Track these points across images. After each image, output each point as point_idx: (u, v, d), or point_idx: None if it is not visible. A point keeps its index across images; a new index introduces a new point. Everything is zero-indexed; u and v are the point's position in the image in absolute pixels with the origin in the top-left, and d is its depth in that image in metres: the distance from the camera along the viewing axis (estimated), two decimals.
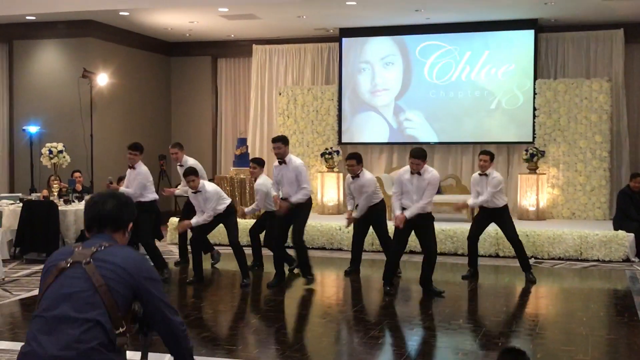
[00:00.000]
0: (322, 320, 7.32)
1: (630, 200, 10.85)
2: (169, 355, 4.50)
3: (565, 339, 6.39)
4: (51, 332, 2.66)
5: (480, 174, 8.89)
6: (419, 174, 7.92)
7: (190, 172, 8.58)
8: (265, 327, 7.02)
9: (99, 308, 2.68)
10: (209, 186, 8.77)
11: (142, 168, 9.08)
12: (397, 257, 8.38)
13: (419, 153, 7.96)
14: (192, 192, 8.66)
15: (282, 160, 8.53)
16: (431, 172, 7.99)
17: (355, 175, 8.88)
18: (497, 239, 10.58)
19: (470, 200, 8.95)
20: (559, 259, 10.46)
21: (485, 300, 8.04)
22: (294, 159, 8.62)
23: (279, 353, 5.93)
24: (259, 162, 9.41)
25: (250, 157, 13.45)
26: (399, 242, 8.19)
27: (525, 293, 8.54)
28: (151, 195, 9.03)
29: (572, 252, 10.46)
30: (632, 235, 10.43)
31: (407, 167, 8.04)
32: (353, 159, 8.90)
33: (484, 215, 9.02)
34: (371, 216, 8.98)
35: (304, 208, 8.62)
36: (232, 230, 8.75)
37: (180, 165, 9.74)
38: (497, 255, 10.59)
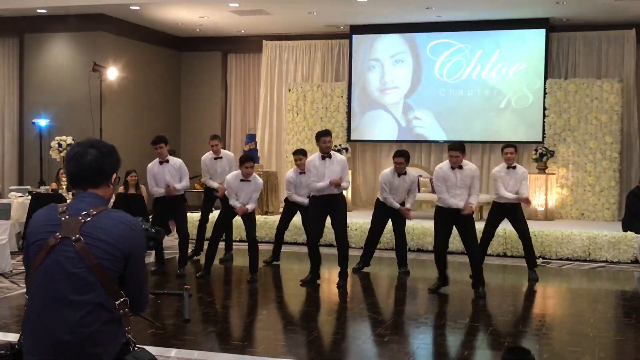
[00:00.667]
0: (329, 317, 7.31)
1: (639, 201, 10.79)
2: (197, 352, 4.51)
3: (572, 340, 6.37)
4: (53, 315, 2.63)
5: (508, 167, 8.85)
6: (460, 167, 7.93)
7: (250, 159, 8.72)
8: (273, 323, 7.02)
9: (97, 288, 2.65)
10: (258, 177, 9.05)
11: (175, 159, 9.18)
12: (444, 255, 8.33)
13: (456, 145, 8.04)
14: (242, 180, 8.68)
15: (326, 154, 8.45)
16: (470, 164, 8.16)
17: (403, 173, 8.94)
18: (506, 239, 10.55)
19: (505, 193, 8.75)
20: (567, 259, 10.43)
21: (493, 300, 8.02)
22: (338, 154, 8.71)
23: (286, 349, 5.93)
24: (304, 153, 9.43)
25: (259, 154, 13.55)
26: (444, 238, 8.22)
27: (533, 293, 8.51)
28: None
29: (580, 253, 10.42)
30: None
31: (446, 162, 8.04)
32: (402, 156, 8.95)
33: (498, 212, 8.90)
34: (393, 212, 9.06)
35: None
36: (253, 225, 8.81)
37: (219, 157, 9.85)
38: (505, 255, 10.56)
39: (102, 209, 2.78)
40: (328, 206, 8.43)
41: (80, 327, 2.61)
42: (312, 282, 8.54)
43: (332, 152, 8.51)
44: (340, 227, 8.46)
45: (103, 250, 2.68)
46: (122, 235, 2.74)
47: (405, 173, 8.92)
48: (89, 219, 2.71)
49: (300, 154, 9.47)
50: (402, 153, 9.01)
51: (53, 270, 2.67)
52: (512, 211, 8.81)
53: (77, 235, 2.68)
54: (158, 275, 9.09)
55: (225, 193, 8.94)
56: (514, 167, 8.84)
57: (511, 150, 8.89)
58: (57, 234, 2.70)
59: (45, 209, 2.84)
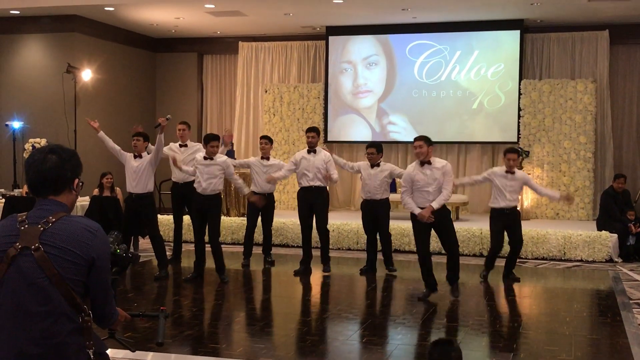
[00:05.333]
0: (307, 318, 7.30)
1: (613, 200, 10.91)
2: (174, 355, 4.44)
3: (548, 339, 6.41)
4: (17, 327, 2.58)
5: (507, 172, 8.73)
6: (429, 163, 7.67)
7: (216, 138, 8.87)
8: (250, 325, 7.00)
9: (57, 298, 2.58)
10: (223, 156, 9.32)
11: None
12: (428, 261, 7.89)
13: (421, 137, 7.82)
14: (205, 158, 8.71)
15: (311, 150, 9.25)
16: (441, 160, 7.85)
17: (376, 165, 9.04)
18: (482, 239, 10.60)
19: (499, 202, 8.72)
20: (543, 259, 10.51)
21: (470, 300, 8.06)
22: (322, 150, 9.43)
23: (264, 352, 5.91)
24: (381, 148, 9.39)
25: (235, 154, 13.50)
26: (423, 242, 7.79)
27: (509, 293, 8.55)
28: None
29: (555, 252, 10.51)
30: (615, 235, 10.49)
31: (416, 162, 7.80)
32: (373, 147, 9.09)
33: (500, 220, 8.70)
34: (376, 210, 9.11)
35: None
36: (216, 227, 8.77)
37: (185, 145, 9.99)
38: (482, 255, 10.61)
39: (61, 215, 2.70)
40: (311, 198, 9.16)
41: (44, 339, 2.56)
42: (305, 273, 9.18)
43: (318, 148, 9.29)
44: (320, 219, 9.21)
45: (63, 259, 2.61)
46: (83, 241, 2.66)
47: (378, 165, 9.06)
48: (48, 226, 2.64)
49: (265, 138, 9.93)
50: (374, 144, 9.28)
51: (15, 281, 2.61)
52: (513, 218, 8.71)
53: (37, 244, 2.61)
54: (162, 280, 8.89)
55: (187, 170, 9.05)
56: (513, 172, 8.70)
57: (514, 156, 8.74)
58: (17, 244, 2.63)
59: (6, 220, 2.77)
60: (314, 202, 9.21)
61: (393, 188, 12.72)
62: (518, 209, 8.91)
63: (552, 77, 13.32)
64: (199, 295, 8.25)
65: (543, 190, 9.05)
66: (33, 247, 2.61)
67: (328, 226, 9.45)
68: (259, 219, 9.96)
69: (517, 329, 6.72)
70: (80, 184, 2.85)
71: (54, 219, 2.67)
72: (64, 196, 2.78)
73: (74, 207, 2.86)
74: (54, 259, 2.60)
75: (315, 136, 9.36)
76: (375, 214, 9.09)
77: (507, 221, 8.67)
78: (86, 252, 2.65)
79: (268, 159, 9.81)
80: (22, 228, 2.66)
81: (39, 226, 2.65)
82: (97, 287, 2.72)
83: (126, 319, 3.02)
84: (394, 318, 7.25)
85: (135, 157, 8.97)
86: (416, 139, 7.79)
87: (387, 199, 9.20)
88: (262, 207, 9.51)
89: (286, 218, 11.74)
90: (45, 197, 2.75)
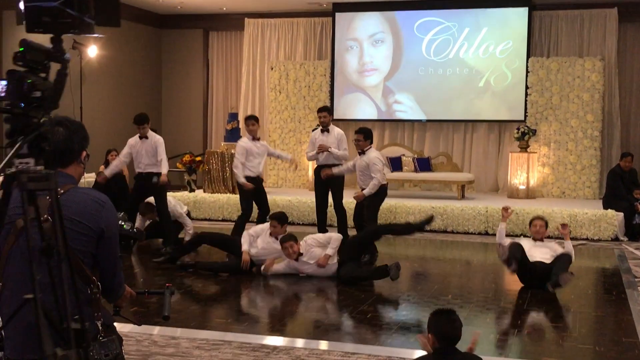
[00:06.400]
0: (310, 295, 7.32)
1: (620, 179, 10.88)
2: (157, 327, 4.44)
3: (553, 316, 6.42)
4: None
5: (535, 240, 7.67)
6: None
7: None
8: (256, 300, 7.02)
9: (66, 270, 2.52)
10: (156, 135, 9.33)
11: (155, 137, 9.21)
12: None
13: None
14: (140, 137, 8.95)
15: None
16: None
17: (362, 152, 8.82)
18: (487, 217, 10.60)
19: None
20: (548, 237, 10.46)
21: (474, 277, 8.06)
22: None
23: (270, 326, 5.94)
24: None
25: (241, 133, 13.44)
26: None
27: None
28: None
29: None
30: (621, 214, 10.47)
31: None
32: (361, 133, 8.85)
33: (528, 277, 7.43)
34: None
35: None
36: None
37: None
38: (487, 233, 10.61)
39: (69, 187, 2.71)
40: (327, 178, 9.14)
41: (54, 311, 2.57)
42: None
43: (331, 127, 9.41)
44: (337, 197, 9.35)
45: (72, 230, 2.61)
46: (91, 212, 2.67)
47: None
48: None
49: (252, 119, 9.48)
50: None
51: (24, 253, 2.59)
52: (543, 273, 7.19)
53: (45, 216, 2.58)
54: (166, 256, 8.68)
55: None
56: (542, 240, 7.62)
57: (541, 223, 7.66)
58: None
59: (16, 192, 2.72)
60: (329, 180, 9.20)
61: (397, 167, 12.72)
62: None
63: (560, 55, 13.22)
64: (205, 272, 8.26)
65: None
66: (42, 218, 2.61)
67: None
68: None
69: (522, 306, 6.72)
70: (87, 156, 2.85)
71: (62, 191, 2.66)
72: (71, 168, 2.79)
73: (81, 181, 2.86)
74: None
75: (327, 115, 9.39)
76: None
77: (537, 275, 7.25)
78: (95, 223, 2.66)
79: (259, 139, 9.41)
80: None
81: (47, 197, 2.65)
82: (105, 258, 2.72)
83: (132, 295, 3.03)
84: (398, 295, 7.23)
85: (140, 138, 9.02)
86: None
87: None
88: (254, 190, 9.25)
89: (292, 196, 11.75)
90: (54, 170, 2.70)
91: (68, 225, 2.59)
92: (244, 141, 9.32)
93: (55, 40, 2.55)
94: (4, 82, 2.44)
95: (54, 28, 2.53)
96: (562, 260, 7.13)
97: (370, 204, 8.69)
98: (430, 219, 8.52)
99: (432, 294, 7.19)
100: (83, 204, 2.68)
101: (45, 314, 2.40)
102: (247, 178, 9.13)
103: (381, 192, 8.74)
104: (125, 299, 2.98)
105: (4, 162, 2.44)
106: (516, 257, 7.11)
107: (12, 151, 2.42)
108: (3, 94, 2.45)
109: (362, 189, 8.72)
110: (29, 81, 2.44)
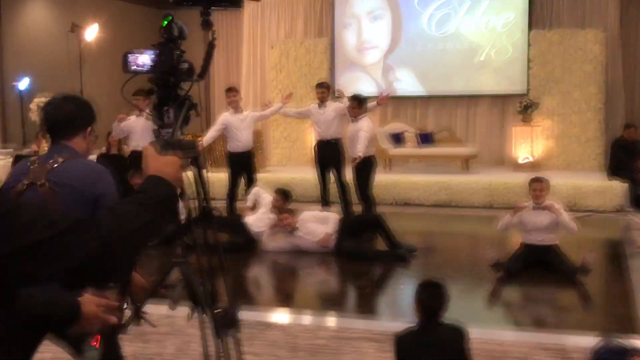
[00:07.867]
0: (307, 271, 7.31)
1: (624, 150, 10.81)
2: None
3: (556, 287, 6.40)
4: None
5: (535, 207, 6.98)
6: (356, 120, 8.65)
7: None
8: (262, 276, 7.03)
9: None
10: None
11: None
12: None
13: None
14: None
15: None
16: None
17: (355, 119, 8.78)
18: (492, 190, 10.56)
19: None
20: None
21: (478, 250, 8.03)
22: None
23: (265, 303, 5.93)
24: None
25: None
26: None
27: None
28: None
29: (566, 202, 10.42)
30: (626, 185, 10.41)
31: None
32: (355, 100, 8.84)
33: (528, 257, 6.87)
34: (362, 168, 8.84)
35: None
36: None
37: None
38: (492, 207, 10.56)
39: (70, 156, 2.79)
40: (326, 151, 9.16)
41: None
42: None
43: (328, 102, 9.35)
44: (339, 172, 9.22)
45: (66, 194, 2.67)
46: (88, 179, 2.74)
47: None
48: (56, 165, 2.74)
49: (232, 90, 9.46)
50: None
51: None
52: (545, 254, 6.78)
53: (43, 181, 2.69)
54: None
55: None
56: (543, 208, 6.91)
57: (540, 186, 7.02)
58: (24, 180, 2.73)
59: (20, 162, 2.92)
60: (328, 156, 9.18)
61: (400, 142, 12.66)
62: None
63: (561, 27, 13.08)
64: None
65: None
66: (39, 183, 2.70)
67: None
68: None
69: (525, 277, 6.68)
70: (94, 134, 2.95)
71: (62, 159, 2.77)
72: (75, 142, 2.88)
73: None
74: (58, 196, 2.67)
75: (325, 91, 9.38)
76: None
77: (537, 257, 6.81)
78: (90, 190, 2.73)
79: (241, 111, 9.46)
80: (32, 167, 2.78)
81: (48, 165, 2.75)
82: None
83: (145, 290, 3.15)
84: (401, 268, 7.21)
85: (137, 116, 8.95)
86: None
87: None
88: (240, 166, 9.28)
89: (296, 174, 11.72)
90: (59, 142, 2.87)
91: (63, 191, 2.67)
92: (225, 115, 9.38)
93: (204, 14, 2.77)
94: (150, 54, 2.60)
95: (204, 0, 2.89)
96: (561, 257, 6.70)
97: (359, 176, 8.73)
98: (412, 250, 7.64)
99: (434, 267, 7.16)
100: (80, 171, 2.77)
101: None
102: (234, 154, 9.26)
103: (368, 165, 8.71)
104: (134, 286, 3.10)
105: (172, 131, 2.73)
106: (509, 270, 6.56)
107: (179, 120, 2.75)
108: (151, 65, 2.62)
109: (354, 159, 8.58)
110: (177, 52, 2.59)
